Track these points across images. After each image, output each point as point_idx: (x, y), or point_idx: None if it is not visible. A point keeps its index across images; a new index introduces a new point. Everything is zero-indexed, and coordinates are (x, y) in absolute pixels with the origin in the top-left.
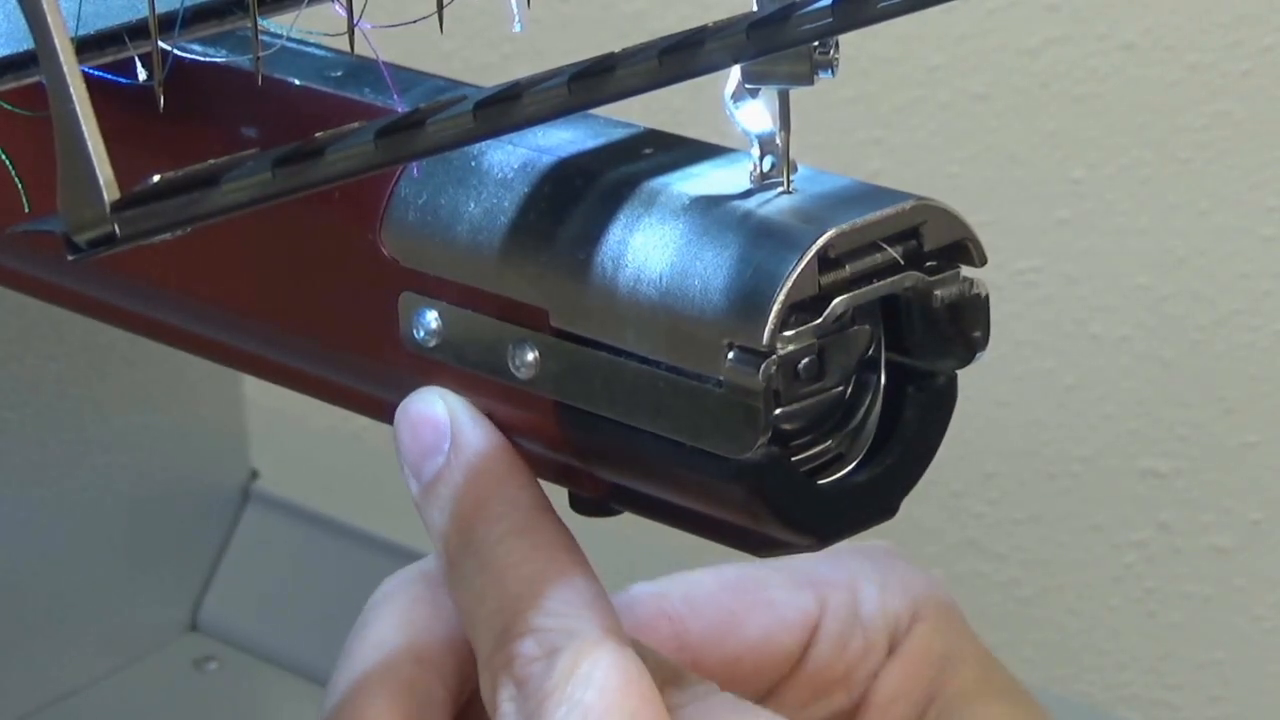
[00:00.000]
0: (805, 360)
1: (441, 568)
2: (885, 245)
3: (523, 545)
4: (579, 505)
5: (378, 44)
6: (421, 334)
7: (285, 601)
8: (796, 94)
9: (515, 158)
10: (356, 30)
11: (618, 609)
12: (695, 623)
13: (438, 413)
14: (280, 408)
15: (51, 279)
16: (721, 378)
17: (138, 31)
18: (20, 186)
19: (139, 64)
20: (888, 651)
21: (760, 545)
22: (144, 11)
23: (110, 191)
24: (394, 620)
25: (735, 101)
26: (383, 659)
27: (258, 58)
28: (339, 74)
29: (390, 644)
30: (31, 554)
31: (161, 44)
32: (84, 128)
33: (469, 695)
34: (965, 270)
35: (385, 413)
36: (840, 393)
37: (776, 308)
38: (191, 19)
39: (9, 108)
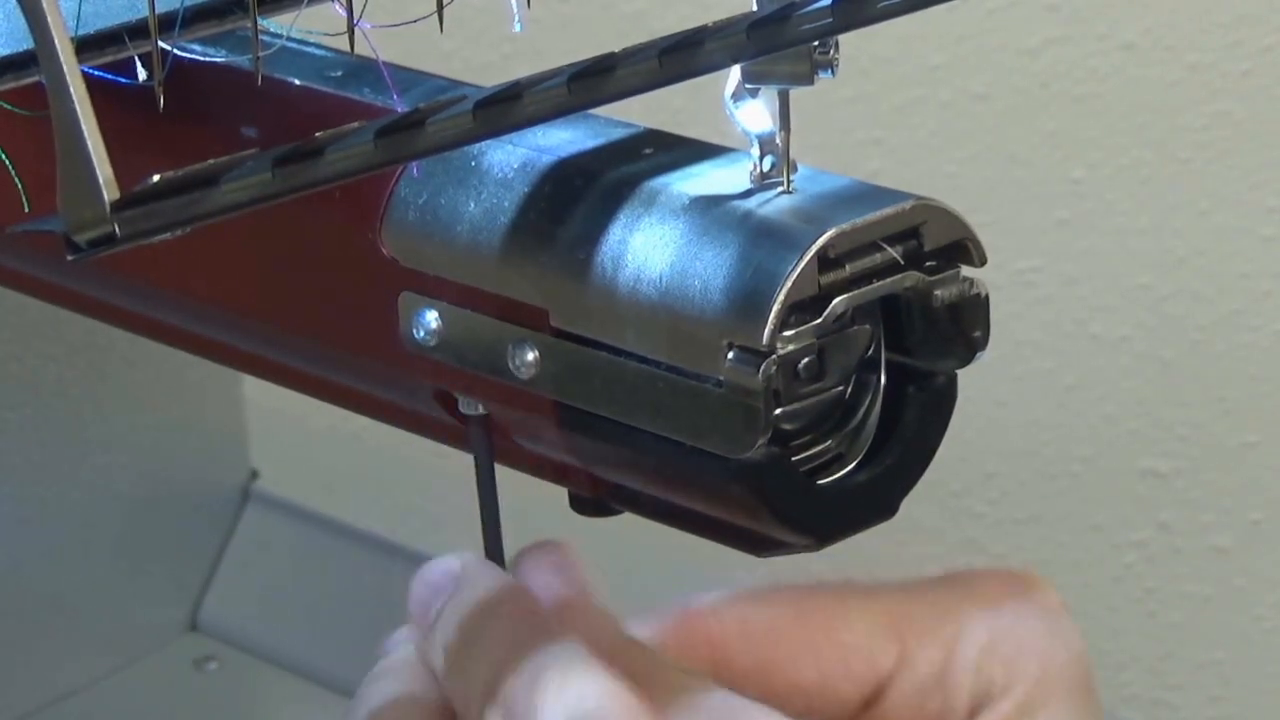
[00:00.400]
0: (805, 360)
1: (440, 667)
2: (885, 245)
3: (516, 626)
4: (579, 505)
5: (378, 44)
6: (421, 334)
7: (285, 601)
8: (796, 94)
9: (515, 158)
10: (356, 30)
11: (660, 619)
12: (742, 655)
13: (450, 562)
14: (280, 408)
15: (51, 279)
16: (721, 378)
17: (138, 31)
18: (20, 186)
19: (139, 64)
20: (974, 706)
21: (760, 545)
22: (144, 11)
23: (110, 191)
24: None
25: (735, 101)
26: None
27: (258, 58)
28: (339, 74)
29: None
30: (31, 554)
31: (161, 44)
32: (84, 128)
33: None
34: (965, 270)
35: (385, 413)
36: (840, 393)
37: (776, 308)
38: (191, 19)
39: (9, 108)
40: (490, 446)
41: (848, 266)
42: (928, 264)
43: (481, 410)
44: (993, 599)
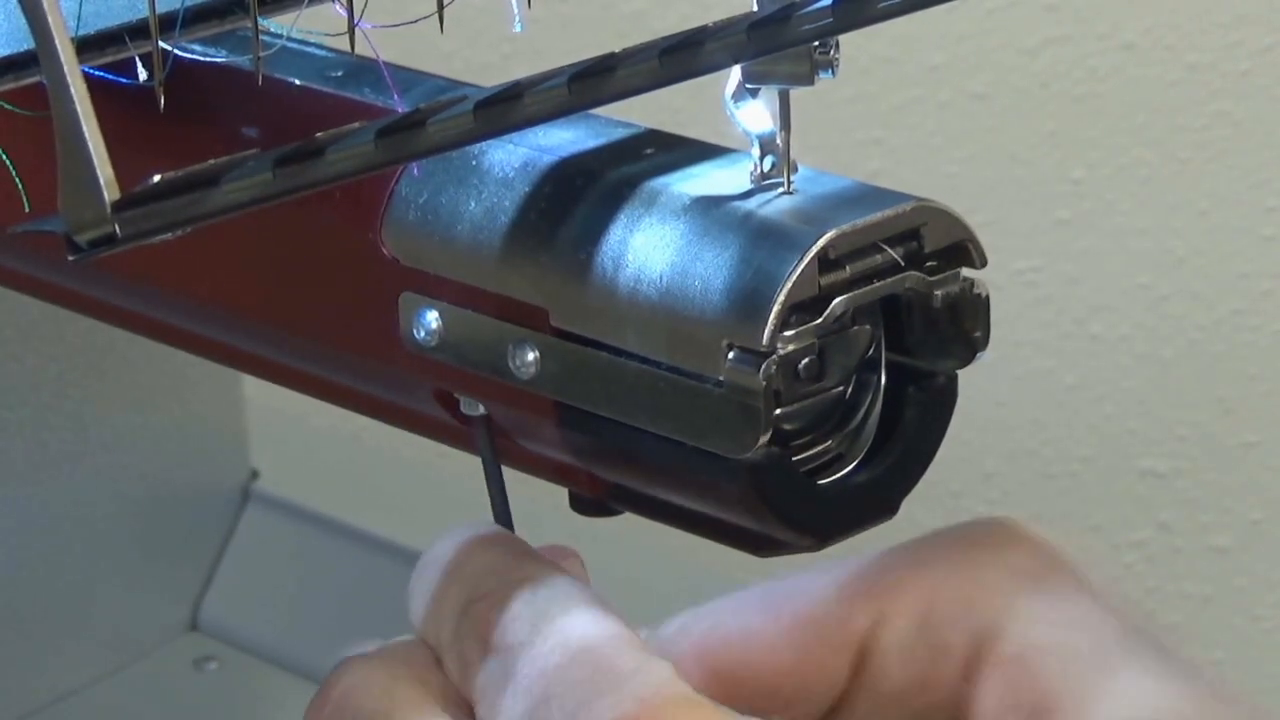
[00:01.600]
0: (805, 360)
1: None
2: (885, 246)
3: (501, 556)
4: (579, 505)
5: (378, 44)
6: (422, 334)
7: (285, 601)
8: (796, 94)
9: (516, 157)
10: (356, 30)
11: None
12: (719, 662)
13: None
14: (280, 408)
15: (51, 279)
16: (721, 378)
17: (138, 31)
18: (20, 186)
19: (139, 64)
20: (969, 653)
21: (760, 545)
22: (144, 11)
23: (110, 191)
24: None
25: (735, 101)
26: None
27: (258, 58)
28: (339, 74)
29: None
30: (31, 554)
31: (162, 44)
32: (84, 128)
33: None
34: (965, 271)
35: (385, 413)
36: (840, 393)
37: (776, 308)
38: (191, 19)
39: (9, 108)
40: (494, 446)
41: (848, 267)
42: (928, 265)
43: (482, 410)
44: (951, 547)
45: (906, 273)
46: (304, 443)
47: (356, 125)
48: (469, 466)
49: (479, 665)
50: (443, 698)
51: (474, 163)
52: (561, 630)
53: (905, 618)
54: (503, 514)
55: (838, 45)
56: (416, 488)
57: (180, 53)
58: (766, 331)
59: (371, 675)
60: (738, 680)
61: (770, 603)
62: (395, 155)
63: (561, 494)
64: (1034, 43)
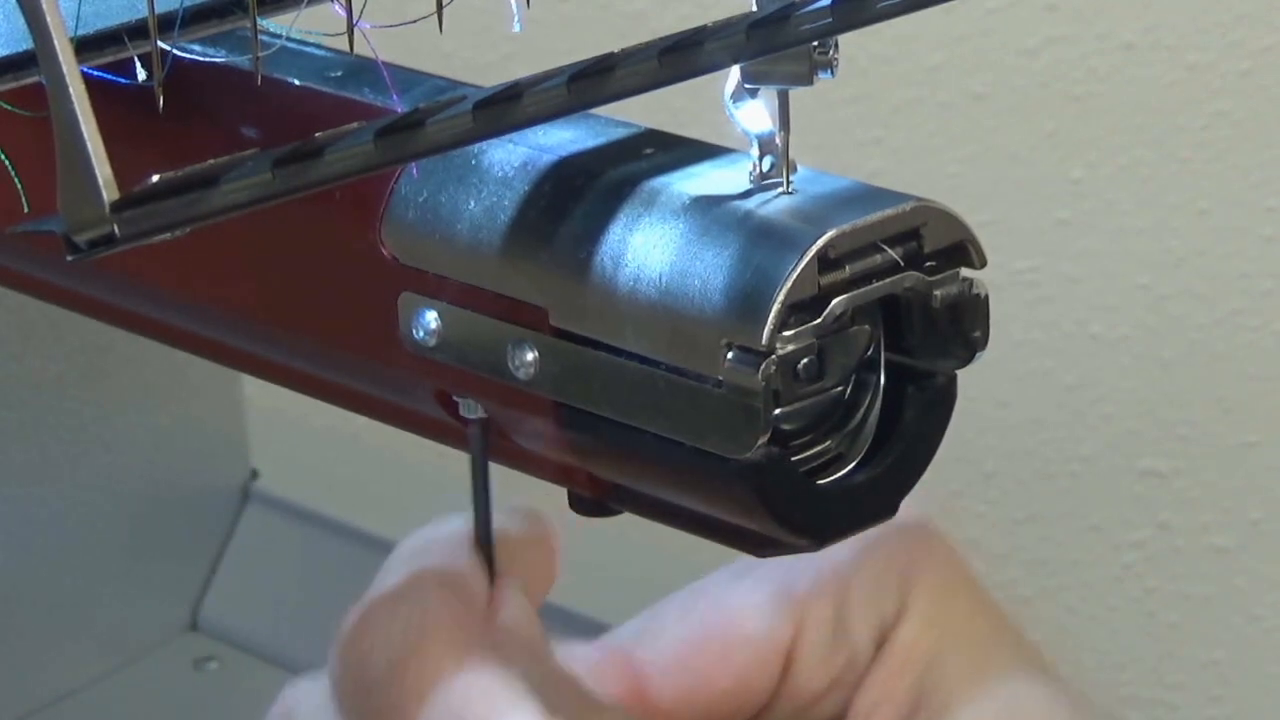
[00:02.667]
0: (805, 360)
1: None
2: (885, 246)
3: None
4: (579, 505)
5: (377, 44)
6: (421, 334)
7: (285, 601)
8: (796, 94)
9: (516, 156)
10: (356, 30)
11: (593, 651)
12: (664, 688)
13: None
14: (280, 408)
15: (51, 279)
16: (721, 378)
17: (137, 31)
18: (20, 186)
19: (139, 64)
20: (874, 654)
21: (760, 545)
22: (144, 11)
23: (110, 191)
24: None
25: (735, 101)
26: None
27: (257, 58)
28: (339, 74)
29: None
30: (31, 554)
31: (161, 44)
32: (84, 128)
33: None
34: (965, 272)
35: (385, 413)
36: (840, 393)
37: (776, 309)
38: (191, 19)
39: (9, 108)
40: (486, 450)
41: (847, 268)
42: (927, 265)
43: (481, 413)
44: (858, 540)
45: (906, 273)
46: (304, 443)
47: (355, 125)
48: (469, 467)
49: None
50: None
51: (473, 162)
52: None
53: (821, 621)
54: (484, 524)
55: (837, 45)
56: (416, 488)
57: (179, 53)
58: (766, 331)
59: (310, 697)
60: (678, 703)
61: (708, 627)
62: (394, 155)
63: (561, 494)
64: (1034, 43)
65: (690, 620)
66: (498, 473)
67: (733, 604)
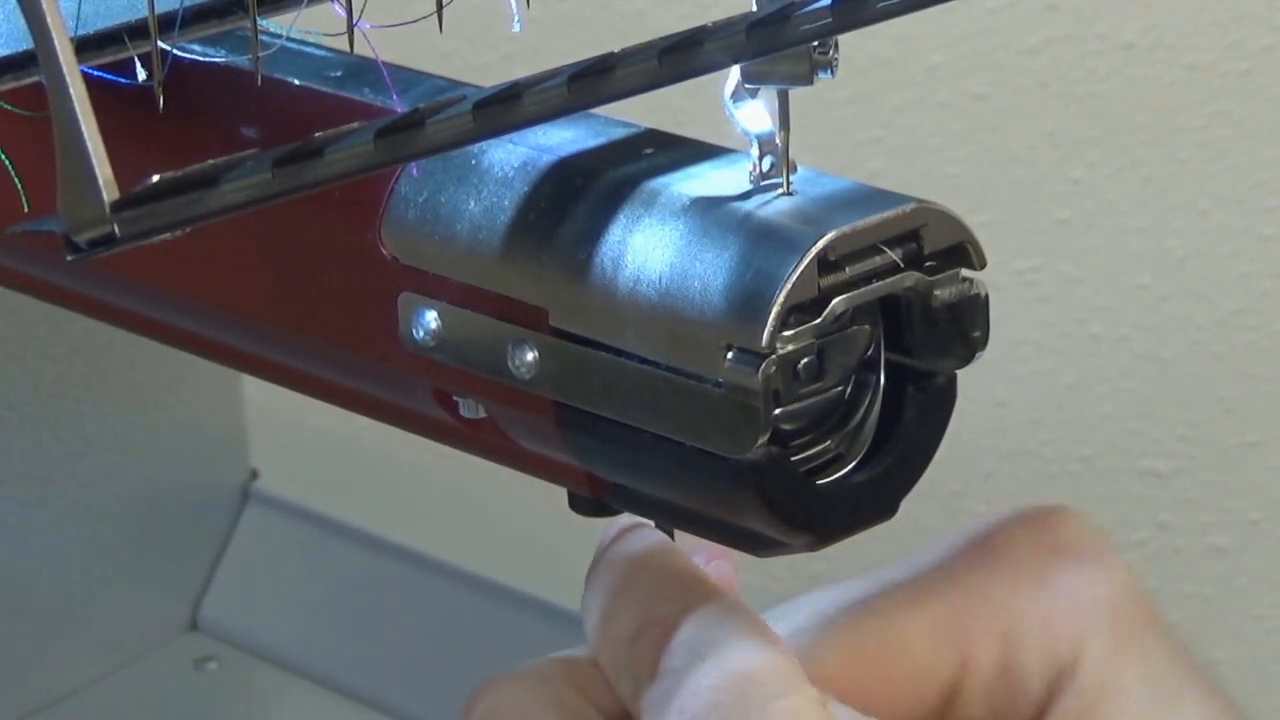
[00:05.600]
0: (805, 360)
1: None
2: (885, 247)
3: (670, 581)
4: (579, 505)
5: (377, 44)
6: (421, 334)
7: (285, 601)
8: (796, 94)
9: (516, 156)
10: (356, 30)
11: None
12: (821, 680)
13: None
14: (280, 408)
15: (51, 279)
16: (721, 378)
17: (137, 31)
18: (20, 186)
19: (139, 64)
20: (1047, 694)
21: (760, 545)
22: (144, 11)
23: (110, 191)
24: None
25: (735, 101)
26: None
27: (257, 58)
28: (339, 74)
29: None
30: (31, 554)
31: (161, 44)
32: (84, 128)
33: None
34: (964, 271)
35: (385, 413)
36: (840, 393)
37: (776, 310)
38: (191, 19)
39: (9, 108)
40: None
41: (847, 268)
42: (927, 265)
43: (483, 413)
44: (1030, 568)
45: (906, 273)
46: (304, 443)
47: (355, 125)
48: (469, 467)
49: (646, 688)
50: (576, 718)
51: (473, 162)
52: (718, 658)
53: (989, 659)
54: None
55: (837, 45)
56: (416, 488)
57: (179, 53)
58: (766, 332)
59: (513, 697)
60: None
61: (864, 648)
62: (394, 155)
63: (561, 494)
64: (1034, 43)
65: (860, 635)
66: (498, 473)
67: (901, 626)
